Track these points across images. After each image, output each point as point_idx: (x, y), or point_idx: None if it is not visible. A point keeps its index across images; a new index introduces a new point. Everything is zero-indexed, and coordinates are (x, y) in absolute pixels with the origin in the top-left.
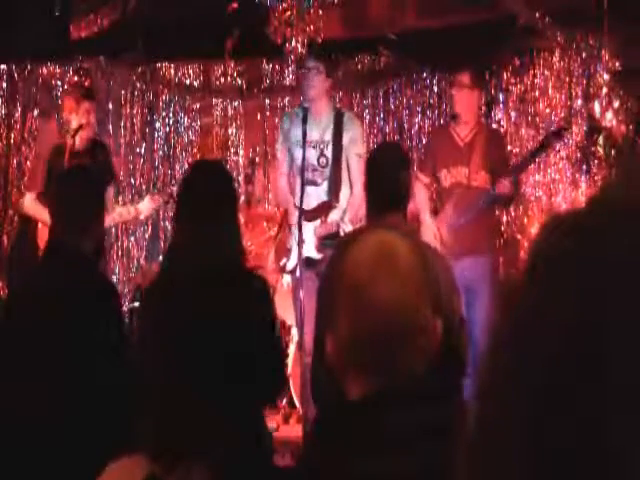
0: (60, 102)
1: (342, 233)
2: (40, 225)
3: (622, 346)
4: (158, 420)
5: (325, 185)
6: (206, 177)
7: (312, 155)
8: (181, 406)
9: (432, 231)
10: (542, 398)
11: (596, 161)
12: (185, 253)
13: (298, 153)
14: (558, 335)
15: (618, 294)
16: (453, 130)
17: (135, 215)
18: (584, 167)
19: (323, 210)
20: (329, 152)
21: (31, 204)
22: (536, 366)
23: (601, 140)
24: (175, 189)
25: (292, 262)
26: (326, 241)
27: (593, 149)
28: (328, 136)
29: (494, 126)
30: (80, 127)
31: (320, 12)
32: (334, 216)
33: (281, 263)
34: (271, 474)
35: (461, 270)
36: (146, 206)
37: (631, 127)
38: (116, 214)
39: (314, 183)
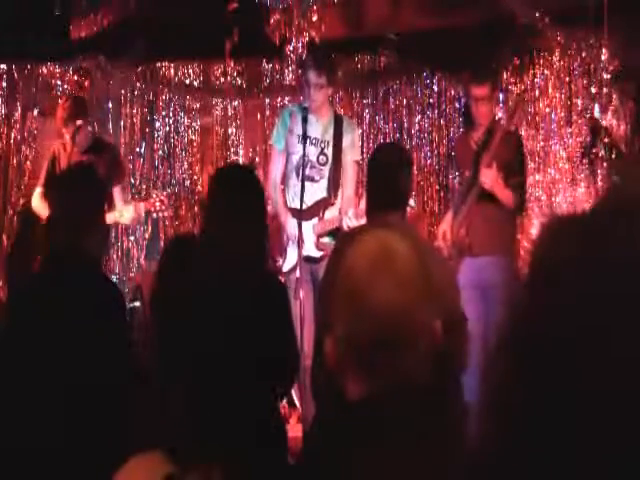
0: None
1: (345, 226)
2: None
3: (626, 348)
4: (180, 421)
5: (322, 183)
6: (236, 179)
7: (312, 152)
8: (205, 407)
9: (443, 229)
10: (543, 399)
11: (597, 161)
12: (211, 252)
13: (296, 147)
14: (563, 337)
15: (622, 296)
16: (470, 135)
17: (114, 222)
18: (584, 167)
19: (320, 208)
20: (329, 151)
21: (38, 201)
22: (538, 368)
23: (601, 140)
24: (165, 194)
25: (288, 263)
26: (326, 238)
27: (594, 149)
28: (329, 136)
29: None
30: (78, 128)
31: (320, 12)
32: (332, 213)
33: (277, 264)
34: (287, 472)
35: (477, 269)
36: (128, 216)
37: (630, 127)
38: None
39: (312, 179)
